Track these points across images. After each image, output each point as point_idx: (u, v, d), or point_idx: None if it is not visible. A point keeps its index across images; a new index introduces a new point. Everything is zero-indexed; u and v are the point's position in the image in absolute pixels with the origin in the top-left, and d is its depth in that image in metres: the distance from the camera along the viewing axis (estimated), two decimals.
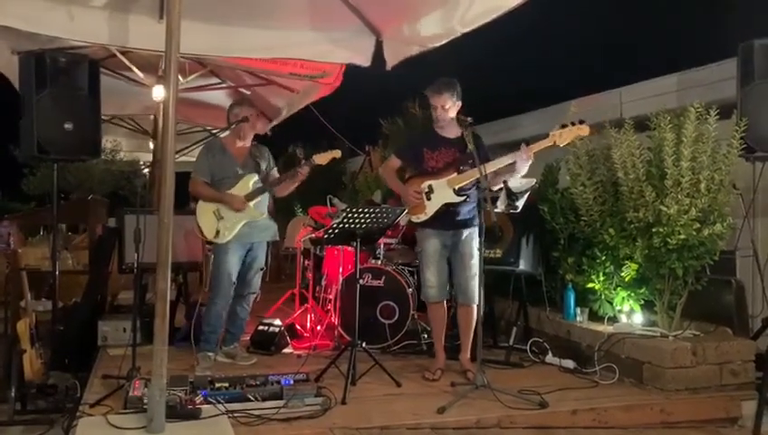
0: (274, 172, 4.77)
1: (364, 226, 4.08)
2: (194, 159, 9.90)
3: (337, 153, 4.58)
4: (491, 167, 3.99)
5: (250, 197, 4.52)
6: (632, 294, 4.62)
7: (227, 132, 4.66)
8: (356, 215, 4.02)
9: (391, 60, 4.55)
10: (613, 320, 4.70)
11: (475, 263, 4.09)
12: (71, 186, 9.03)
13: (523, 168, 4.02)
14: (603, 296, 4.76)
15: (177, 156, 9.71)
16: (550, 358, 4.75)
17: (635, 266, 4.43)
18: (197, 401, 3.28)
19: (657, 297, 4.45)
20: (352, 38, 4.74)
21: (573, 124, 3.87)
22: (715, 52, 5.69)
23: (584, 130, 3.90)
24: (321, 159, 4.51)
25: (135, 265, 3.90)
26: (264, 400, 3.51)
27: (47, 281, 5.35)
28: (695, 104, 4.12)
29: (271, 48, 4.48)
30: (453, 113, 4.28)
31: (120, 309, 5.45)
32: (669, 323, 4.42)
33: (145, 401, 3.27)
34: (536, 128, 7.59)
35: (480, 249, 3.98)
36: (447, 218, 4.20)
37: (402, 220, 4.35)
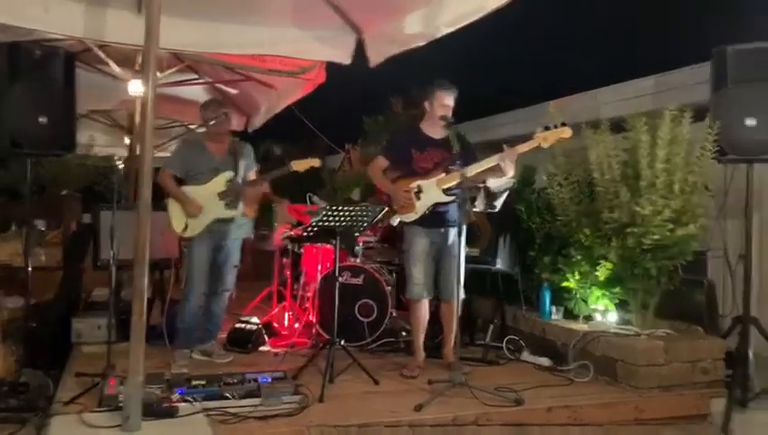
0: (251, 174, 4.73)
1: (344, 224, 4.09)
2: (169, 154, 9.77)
3: (316, 162, 4.57)
4: (477, 168, 4.03)
5: (223, 195, 4.49)
6: (606, 294, 4.69)
7: (203, 130, 4.65)
8: (336, 213, 4.03)
9: (375, 58, 4.54)
10: (588, 318, 4.77)
11: (461, 261, 4.13)
12: (45, 180, 8.86)
13: (510, 169, 4.06)
14: (578, 295, 4.83)
15: (154, 151, 9.65)
16: (525, 356, 4.81)
17: (609, 266, 4.49)
18: (174, 399, 3.25)
19: (630, 296, 4.52)
20: (333, 36, 4.71)
21: (556, 127, 3.93)
22: (691, 55, 5.79)
23: (566, 133, 3.96)
24: (299, 165, 4.51)
25: (111, 262, 3.84)
26: (241, 398, 3.50)
27: (19, 277, 5.26)
28: (670, 107, 4.19)
29: (250, 44, 4.43)
30: None
31: (94, 306, 5.36)
32: (643, 321, 4.50)
33: (120, 399, 3.24)
34: (513, 128, 7.68)
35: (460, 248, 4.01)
36: (436, 218, 4.24)
37: (393, 222, 4.34)
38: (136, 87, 6.70)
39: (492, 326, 5.06)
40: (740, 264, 4.40)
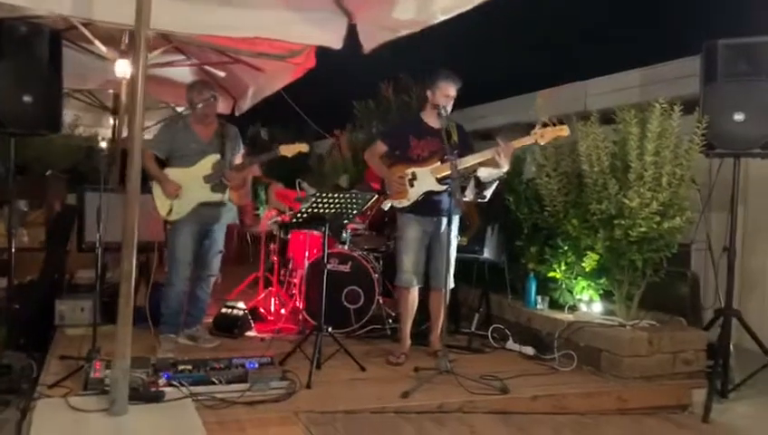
0: (237, 157, 4.66)
1: (333, 210, 4.07)
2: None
3: (304, 147, 4.48)
4: (472, 160, 4.05)
5: (208, 178, 4.44)
6: (592, 284, 4.73)
7: (190, 112, 4.60)
8: (325, 199, 4.01)
9: (368, 44, 4.50)
10: (573, 308, 4.80)
11: (452, 250, 4.14)
12: (28, 160, 8.73)
13: (505, 164, 4.09)
14: (564, 285, 4.86)
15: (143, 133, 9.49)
16: (510, 344, 4.84)
17: (596, 257, 4.53)
18: (161, 384, 3.24)
19: (615, 287, 4.56)
20: (324, 20, 4.65)
21: (554, 124, 3.95)
22: (679, 49, 5.82)
23: (564, 131, 3.99)
24: (287, 150, 4.43)
25: (97, 245, 3.80)
26: (228, 383, 3.49)
27: (1, 258, 5.19)
28: (660, 100, 4.21)
29: (241, 27, 4.36)
30: None
31: (77, 288, 5.31)
32: (627, 312, 4.54)
33: (106, 382, 3.22)
34: (501, 118, 7.68)
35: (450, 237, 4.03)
36: (430, 206, 4.25)
37: (384, 206, 4.35)
38: (122, 67, 6.61)
39: (477, 315, 5.09)
40: (723, 257, 4.46)
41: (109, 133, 10.13)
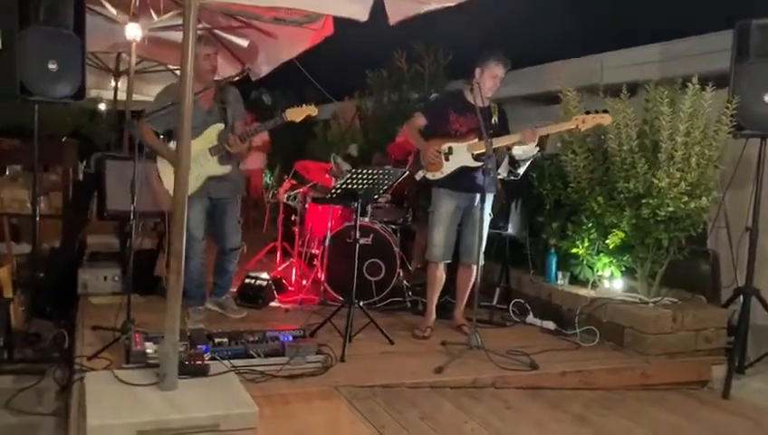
0: (241, 123, 4.45)
1: (366, 186, 4.07)
2: (153, 98, 9.50)
3: (313, 110, 4.29)
4: (503, 141, 4.07)
5: (214, 150, 4.28)
6: (614, 261, 4.78)
7: None
8: (359, 176, 4.01)
9: (394, 16, 4.43)
10: (594, 285, 4.87)
11: (485, 227, 4.17)
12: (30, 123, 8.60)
13: (530, 147, 4.16)
14: (585, 262, 4.92)
15: (141, 96, 9.30)
16: (531, 319, 4.92)
17: (621, 235, 4.57)
18: (205, 358, 3.27)
19: (638, 265, 4.62)
20: None
21: (597, 112, 3.96)
22: (699, 24, 5.80)
23: (606, 119, 4.01)
24: (295, 114, 4.23)
25: (132, 214, 3.77)
26: (266, 356, 3.52)
27: (23, 224, 5.18)
28: (692, 80, 4.21)
29: None
30: None
31: (98, 256, 5.31)
32: (648, 289, 4.61)
33: (150, 355, 3.25)
34: (514, 89, 7.64)
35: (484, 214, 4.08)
36: (465, 181, 4.27)
37: (417, 176, 4.38)
38: (132, 31, 6.51)
39: (498, 289, 5.15)
40: (744, 236, 4.52)
41: (109, 95, 9.99)
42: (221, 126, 4.33)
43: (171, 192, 4.24)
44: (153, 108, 4.18)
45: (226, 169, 4.35)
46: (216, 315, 4.57)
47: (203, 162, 4.26)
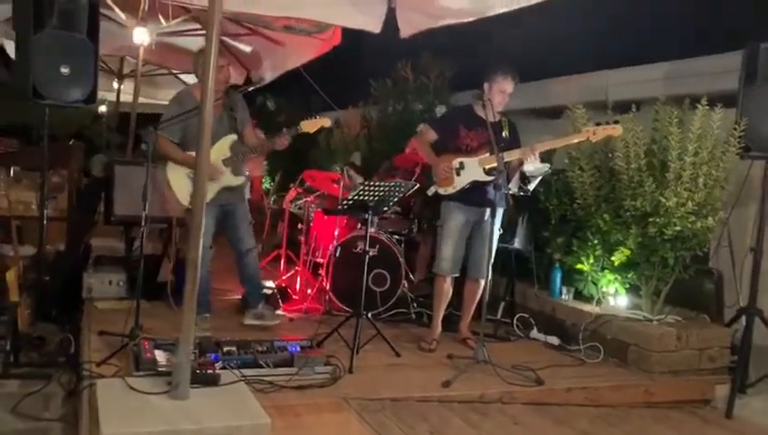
0: (249, 129, 4.47)
1: (377, 198, 4.09)
2: (160, 101, 9.45)
3: (326, 122, 4.35)
4: (510, 156, 4.10)
5: (229, 162, 4.28)
6: (619, 278, 4.80)
7: (196, 83, 4.39)
8: (371, 188, 4.03)
9: (406, 29, 4.47)
10: (598, 301, 4.89)
11: (494, 241, 4.18)
12: (33, 125, 8.59)
13: (530, 162, 4.19)
14: (590, 278, 4.94)
15: (144, 98, 9.24)
16: (535, 333, 4.94)
17: (627, 252, 4.59)
18: (215, 367, 3.27)
19: (643, 283, 4.64)
20: (364, 3, 4.62)
21: (608, 123, 3.98)
22: (707, 45, 5.86)
23: (617, 131, 4.03)
24: (309, 126, 4.26)
25: (143, 220, 3.78)
26: (275, 366, 3.53)
27: (28, 227, 5.17)
28: (702, 101, 4.26)
29: (286, 6, 4.32)
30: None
31: (102, 260, 5.30)
32: (652, 307, 4.64)
33: (160, 363, 3.25)
34: (517, 102, 7.68)
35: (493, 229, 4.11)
36: (475, 195, 4.29)
37: (429, 192, 4.41)
38: (140, 35, 6.53)
39: (503, 303, 5.17)
40: (747, 256, 4.56)
41: (111, 97, 10.00)
42: (234, 137, 4.34)
43: (181, 199, 4.30)
44: (166, 117, 4.17)
45: (240, 179, 4.39)
46: (220, 322, 4.55)
47: (217, 174, 4.26)
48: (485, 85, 4.31)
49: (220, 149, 4.28)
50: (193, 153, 4.06)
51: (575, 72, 7.21)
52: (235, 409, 2.86)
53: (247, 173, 4.51)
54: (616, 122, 4.04)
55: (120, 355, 3.59)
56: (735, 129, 4.26)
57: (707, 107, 4.26)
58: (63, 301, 4.77)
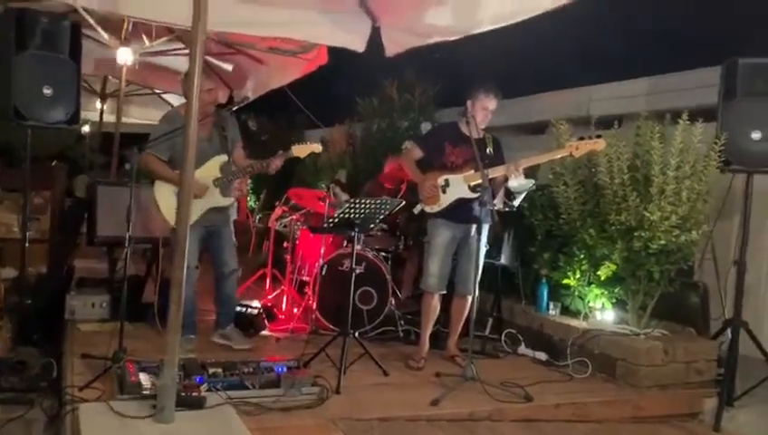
0: (239, 150, 4.49)
1: (363, 216, 4.08)
2: (143, 121, 9.40)
3: (317, 147, 4.37)
4: (494, 172, 4.11)
5: (218, 183, 4.29)
6: (605, 293, 4.82)
7: (185, 102, 4.42)
8: (358, 205, 4.02)
9: (391, 48, 4.50)
10: (586, 316, 4.90)
11: (480, 257, 4.18)
12: (15, 146, 8.49)
13: (519, 177, 4.19)
14: (576, 292, 4.95)
15: (126, 118, 9.19)
16: (522, 349, 4.93)
17: (612, 267, 4.61)
18: (201, 389, 3.22)
19: (630, 297, 4.66)
20: (348, 22, 4.63)
21: (590, 138, 4.00)
22: (687, 60, 5.95)
23: (600, 145, 4.06)
24: (300, 151, 4.29)
25: (126, 241, 3.74)
26: (261, 387, 3.48)
27: (4, 248, 5.10)
28: (683, 116, 4.31)
29: (270, 25, 4.33)
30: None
31: (85, 282, 5.24)
32: (638, 321, 4.65)
33: (145, 386, 3.21)
34: (500, 119, 7.74)
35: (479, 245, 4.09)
36: (461, 212, 4.29)
37: (415, 210, 4.41)
38: (124, 55, 6.52)
39: (490, 319, 5.16)
40: (731, 268, 4.59)
41: (94, 117, 9.94)
42: (224, 158, 4.33)
43: (168, 219, 4.26)
44: (154, 135, 4.16)
45: (229, 200, 4.39)
46: (206, 344, 4.50)
47: (207, 194, 4.26)
48: (468, 102, 4.33)
49: (210, 169, 4.28)
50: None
51: (558, 88, 7.31)
52: (220, 432, 2.83)
53: (237, 194, 4.50)
54: (598, 136, 4.07)
55: (103, 379, 3.53)
56: (716, 143, 4.31)
57: (688, 122, 4.31)
58: (46, 324, 4.68)
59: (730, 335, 4.39)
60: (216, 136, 4.36)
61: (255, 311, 4.94)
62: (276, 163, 4.27)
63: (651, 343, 4.34)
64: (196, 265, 4.38)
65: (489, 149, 4.28)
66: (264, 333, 4.94)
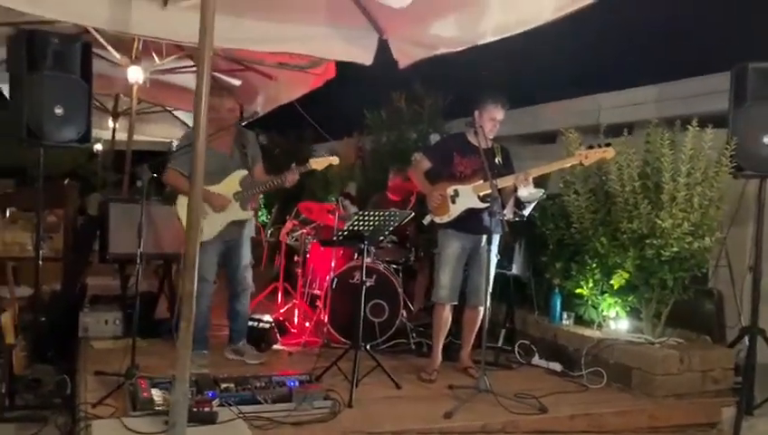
0: (260, 167, 4.53)
1: (371, 228, 4.09)
2: (155, 138, 9.49)
3: (335, 160, 4.44)
4: (504, 182, 4.11)
5: (239, 196, 4.34)
6: (619, 301, 4.77)
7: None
8: (366, 218, 4.03)
9: (402, 60, 4.53)
10: (600, 325, 4.85)
11: (492, 268, 4.17)
12: (29, 164, 8.60)
13: (523, 188, 4.17)
14: (590, 302, 4.91)
15: (138, 136, 9.29)
16: (536, 360, 4.89)
17: (625, 275, 4.57)
18: (213, 404, 3.22)
19: (644, 305, 4.62)
20: (355, 36, 4.67)
21: (600, 146, 4.00)
22: (696, 66, 5.92)
23: (610, 153, 4.04)
24: (318, 164, 4.37)
25: (138, 258, 3.76)
26: (273, 402, 3.48)
27: (24, 267, 5.13)
28: (693, 122, 4.29)
29: (279, 41, 4.36)
30: None
31: (98, 299, 5.27)
32: (653, 330, 4.60)
33: (157, 402, 3.21)
34: (508, 128, 7.73)
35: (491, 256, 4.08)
36: (471, 223, 4.28)
37: (425, 221, 4.42)
38: (134, 73, 6.58)
39: (503, 330, 5.13)
40: (746, 274, 4.55)
41: (106, 135, 10.05)
42: (244, 172, 4.39)
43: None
44: (176, 150, 4.29)
45: (249, 213, 4.43)
46: (219, 359, 4.51)
47: (229, 207, 4.32)
48: (476, 113, 4.34)
49: (231, 184, 4.35)
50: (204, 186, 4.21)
51: (566, 97, 7.29)
52: None
53: (254, 207, 4.55)
54: (608, 145, 4.05)
55: (116, 395, 3.55)
56: (727, 148, 4.28)
57: (698, 128, 4.28)
58: (60, 341, 4.71)
59: (747, 343, 4.34)
60: (238, 153, 4.44)
61: (267, 325, 4.93)
62: (292, 177, 4.32)
63: (667, 351, 4.29)
64: (214, 279, 4.42)
65: (498, 159, 4.28)
66: (277, 347, 4.94)
